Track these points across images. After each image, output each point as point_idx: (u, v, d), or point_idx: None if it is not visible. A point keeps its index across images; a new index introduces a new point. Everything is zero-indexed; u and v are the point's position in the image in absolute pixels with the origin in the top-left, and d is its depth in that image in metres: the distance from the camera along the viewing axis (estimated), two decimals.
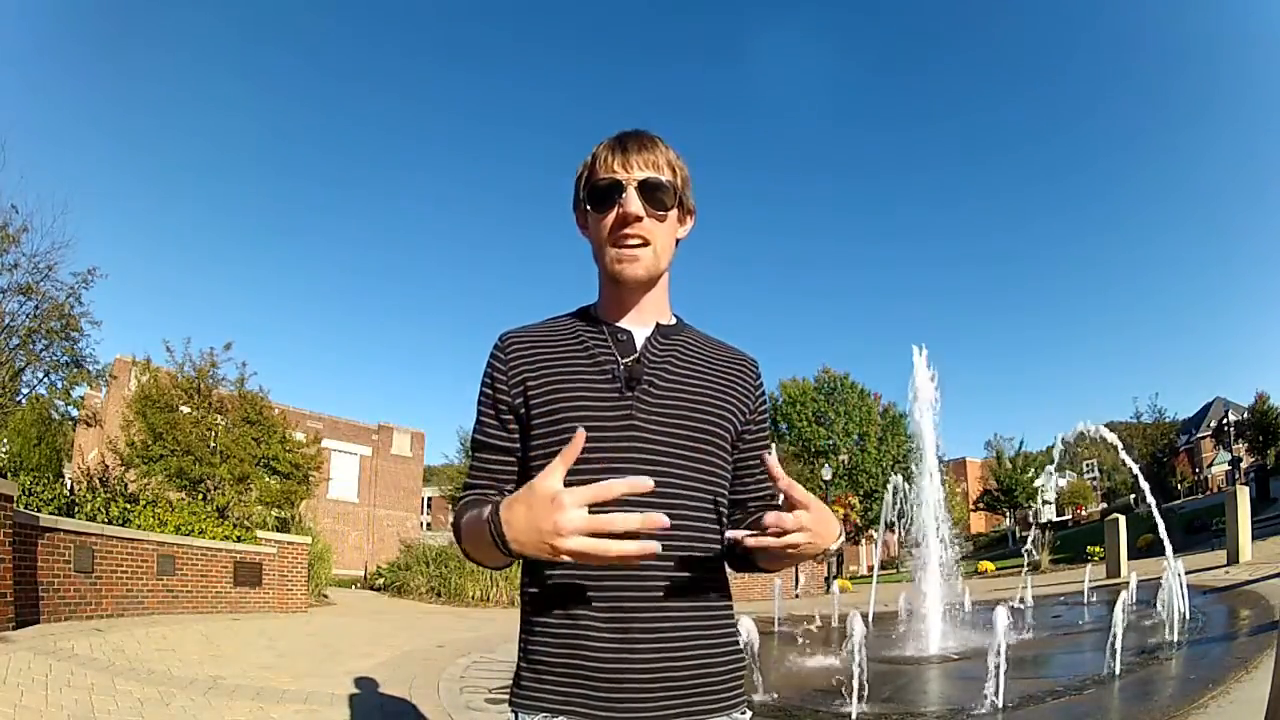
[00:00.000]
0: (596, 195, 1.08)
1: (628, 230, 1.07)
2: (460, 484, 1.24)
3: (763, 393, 1.20)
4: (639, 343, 1.11)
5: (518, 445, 1.11)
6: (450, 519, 1.14)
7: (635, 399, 1.05)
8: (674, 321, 1.17)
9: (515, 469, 1.13)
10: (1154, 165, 74.19)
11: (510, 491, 1.10)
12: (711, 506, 1.08)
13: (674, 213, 1.11)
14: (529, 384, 1.09)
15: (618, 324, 1.12)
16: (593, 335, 1.11)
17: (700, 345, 1.16)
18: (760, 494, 1.19)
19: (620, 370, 1.06)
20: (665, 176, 1.09)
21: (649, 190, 1.07)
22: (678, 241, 1.15)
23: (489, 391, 1.13)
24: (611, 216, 1.07)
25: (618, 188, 1.06)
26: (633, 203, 1.06)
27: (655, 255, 1.09)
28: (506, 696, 1.07)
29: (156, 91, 57.34)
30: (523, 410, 1.09)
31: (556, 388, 1.07)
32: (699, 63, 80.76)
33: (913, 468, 9.46)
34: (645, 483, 0.83)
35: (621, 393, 1.05)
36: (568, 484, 1.02)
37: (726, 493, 1.13)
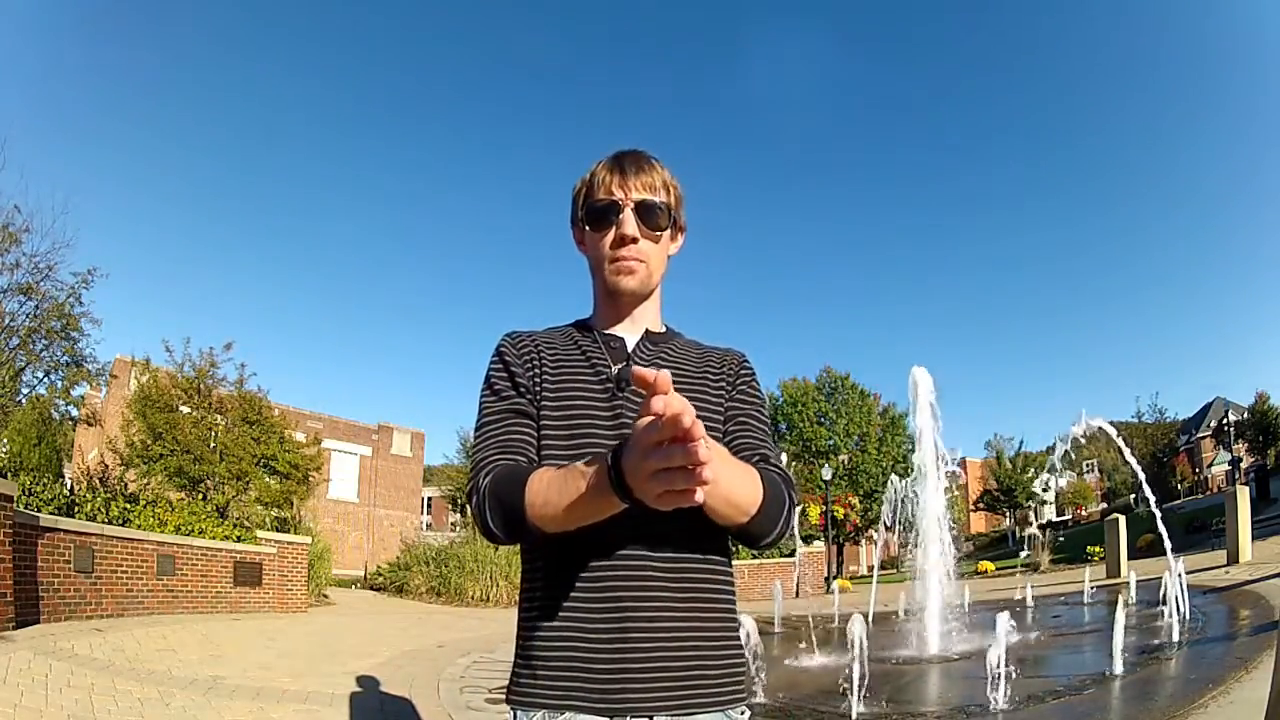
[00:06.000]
0: (595, 215, 1.13)
1: (624, 251, 1.12)
2: (462, 481, 1.23)
3: (747, 371, 1.21)
4: (629, 348, 1.16)
5: (535, 413, 1.10)
6: (469, 487, 1.05)
7: (625, 400, 1.08)
8: (664, 329, 1.22)
9: (535, 436, 1.10)
10: (1154, 164, 74.18)
11: (534, 458, 1.07)
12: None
13: (667, 232, 1.17)
14: (544, 372, 1.12)
15: (611, 331, 1.17)
16: (588, 341, 1.17)
17: (687, 348, 1.21)
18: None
19: (611, 373, 1.11)
20: (660, 198, 1.14)
21: (645, 212, 1.12)
22: (669, 258, 1.21)
23: (502, 372, 1.13)
24: (610, 236, 1.13)
25: (615, 209, 1.12)
26: (629, 224, 1.11)
27: (649, 271, 1.15)
28: (505, 695, 1.08)
29: (156, 91, 57.31)
30: (537, 390, 1.11)
31: (561, 385, 1.11)
32: (699, 62, 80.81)
33: (911, 463, 9.45)
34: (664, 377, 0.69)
35: (613, 395, 1.09)
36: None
37: None
